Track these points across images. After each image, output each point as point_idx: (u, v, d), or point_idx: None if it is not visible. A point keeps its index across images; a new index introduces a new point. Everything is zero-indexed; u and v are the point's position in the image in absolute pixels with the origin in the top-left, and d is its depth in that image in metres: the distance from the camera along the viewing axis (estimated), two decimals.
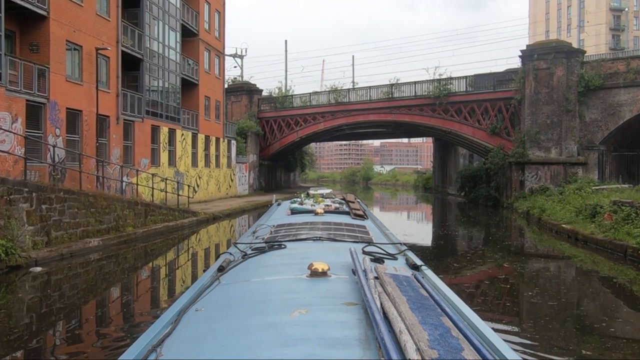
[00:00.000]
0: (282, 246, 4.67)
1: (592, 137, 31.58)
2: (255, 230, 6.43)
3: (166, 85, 28.98)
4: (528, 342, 7.76)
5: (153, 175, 23.18)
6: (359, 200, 9.65)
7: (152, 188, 22.01)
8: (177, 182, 25.42)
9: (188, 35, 32.33)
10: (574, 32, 68.16)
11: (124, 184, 23.18)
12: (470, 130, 36.41)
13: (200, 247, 19.85)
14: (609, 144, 31.91)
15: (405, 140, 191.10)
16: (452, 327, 2.37)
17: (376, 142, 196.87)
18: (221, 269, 3.89)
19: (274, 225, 6.28)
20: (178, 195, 23.77)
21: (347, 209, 7.86)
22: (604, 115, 31.16)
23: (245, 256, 4.36)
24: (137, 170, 23.23)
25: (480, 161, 47.68)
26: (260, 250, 4.53)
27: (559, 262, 16.22)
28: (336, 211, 7.70)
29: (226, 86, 48.35)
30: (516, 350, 3.77)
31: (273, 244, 4.79)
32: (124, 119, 24.51)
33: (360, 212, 7.40)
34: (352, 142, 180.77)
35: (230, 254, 4.55)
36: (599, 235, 16.56)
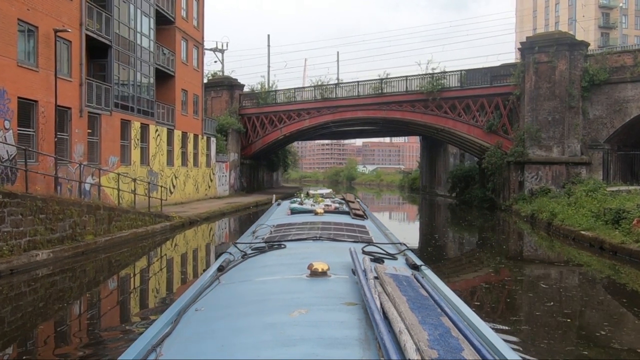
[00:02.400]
0: (282, 246, 4.67)
1: (596, 135, 29.71)
2: (255, 230, 6.40)
3: (138, 75, 26.32)
4: None
5: (119, 174, 20.50)
6: (358, 200, 9.53)
7: (118, 189, 19.38)
8: (149, 183, 22.76)
9: (163, 22, 29.69)
10: (562, 29, 66.64)
11: (87, 185, 20.55)
12: (465, 127, 34.33)
13: (174, 258, 17.36)
14: (614, 142, 30.08)
15: (388, 139, 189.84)
16: (452, 327, 2.36)
17: (358, 142, 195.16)
18: (221, 269, 3.91)
19: (273, 225, 6.25)
20: (149, 197, 21.17)
21: (347, 209, 7.86)
22: (609, 112, 29.30)
23: (245, 256, 4.36)
24: (100, 170, 20.46)
25: (472, 161, 45.83)
26: (260, 250, 4.53)
27: (597, 278, 13.99)
28: (336, 211, 7.70)
29: (206, 81, 45.83)
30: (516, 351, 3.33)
31: (273, 244, 4.77)
32: (89, 112, 21.83)
33: (360, 212, 7.35)
34: (334, 141, 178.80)
35: (230, 253, 4.53)
36: (631, 244, 14.46)
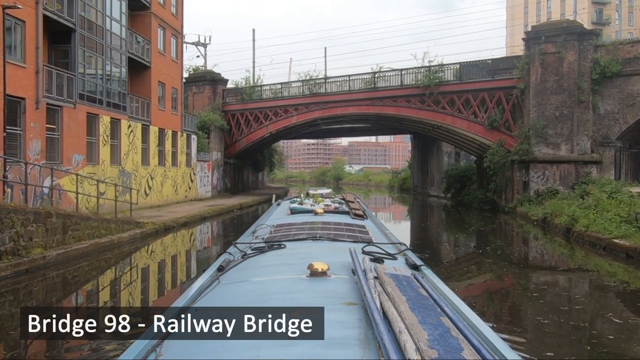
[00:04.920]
0: (282, 246, 4.65)
1: (607, 132, 27.60)
2: (255, 230, 6.47)
3: (108, 64, 23.59)
4: None
5: (77, 175, 17.79)
6: (358, 200, 9.51)
7: (77, 193, 16.70)
8: (116, 185, 20.05)
9: (137, 7, 26.97)
10: None
11: (45, 188, 17.84)
12: (465, 124, 32.04)
13: (143, 273, 14.77)
14: (625, 139, 28.03)
15: (374, 139, 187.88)
16: (452, 327, 2.37)
17: (344, 142, 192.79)
18: (221, 269, 3.91)
19: (273, 225, 6.28)
20: (116, 201, 18.49)
21: (346, 209, 7.85)
22: (622, 107, 27.21)
23: (244, 256, 4.36)
24: (53, 169, 17.43)
25: (468, 160, 43.80)
26: (260, 250, 4.51)
27: None
28: (336, 211, 7.68)
29: (187, 75, 43.21)
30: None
31: (273, 244, 4.76)
32: (48, 104, 19.10)
33: (360, 212, 7.40)
34: (320, 141, 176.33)
35: (230, 253, 4.55)
36: None
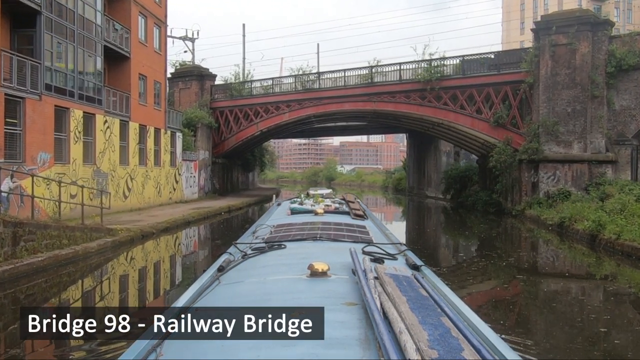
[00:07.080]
0: (282, 246, 4.64)
1: (623, 129, 25.71)
2: (255, 230, 6.45)
3: (80, 53, 21.28)
4: None
5: (33, 176, 15.52)
6: (358, 200, 9.58)
7: (32, 196, 14.45)
8: (82, 187, 17.74)
9: None
10: None
11: (3, 192, 15.58)
12: (468, 121, 30.03)
13: (116, 291, 12.58)
14: None
15: (365, 139, 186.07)
16: (452, 327, 2.34)
17: (336, 142, 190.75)
18: (221, 269, 3.85)
19: (273, 225, 6.26)
20: (83, 205, 16.18)
21: (347, 209, 7.88)
22: (639, 102, 25.33)
23: (245, 256, 4.32)
24: (4, 169, 15.28)
25: (468, 159, 41.91)
26: (260, 250, 4.50)
27: None
28: (336, 211, 7.71)
29: (173, 70, 41.08)
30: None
31: (273, 244, 4.76)
32: (7, 94, 16.81)
33: (360, 212, 7.40)
34: (311, 140, 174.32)
35: (230, 254, 4.52)
36: None
